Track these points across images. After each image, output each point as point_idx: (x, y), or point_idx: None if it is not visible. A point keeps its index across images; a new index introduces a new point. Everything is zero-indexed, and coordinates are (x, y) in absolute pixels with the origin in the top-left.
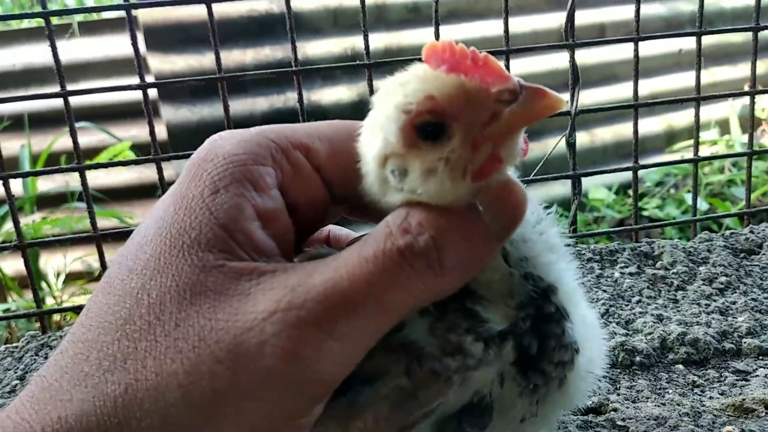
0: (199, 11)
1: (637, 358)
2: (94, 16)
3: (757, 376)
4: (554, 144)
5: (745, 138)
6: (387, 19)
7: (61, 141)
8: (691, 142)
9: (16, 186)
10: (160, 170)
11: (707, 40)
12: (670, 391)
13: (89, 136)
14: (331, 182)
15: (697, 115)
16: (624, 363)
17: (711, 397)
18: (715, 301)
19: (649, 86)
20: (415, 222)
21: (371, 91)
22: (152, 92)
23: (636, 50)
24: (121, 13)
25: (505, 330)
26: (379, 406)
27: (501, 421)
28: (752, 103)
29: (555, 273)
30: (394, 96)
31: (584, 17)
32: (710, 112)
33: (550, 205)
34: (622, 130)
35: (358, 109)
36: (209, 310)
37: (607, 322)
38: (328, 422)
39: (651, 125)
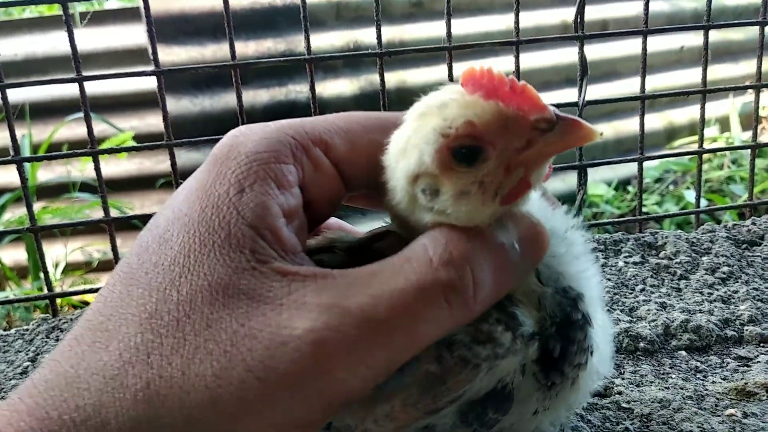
0: (201, 3)
1: (641, 344)
2: (96, 6)
3: (758, 362)
4: None
5: (745, 135)
6: (390, 13)
7: (62, 131)
8: (691, 138)
9: (16, 176)
10: (172, 155)
11: (709, 37)
12: (674, 375)
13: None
14: (350, 177)
15: (702, 108)
16: (628, 349)
17: (714, 382)
18: (717, 290)
19: (650, 82)
20: (458, 254)
21: (382, 81)
22: (153, 83)
23: (644, 44)
24: (124, 4)
25: (533, 332)
26: (408, 391)
27: (517, 410)
28: (757, 96)
29: (583, 281)
30: (431, 118)
31: (587, 13)
32: (711, 109)
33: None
34: (622, 126)
35: (359, 103)
36: (243, 315)
37: (611, 309)
38: (351, 404)
39: (651, 122)
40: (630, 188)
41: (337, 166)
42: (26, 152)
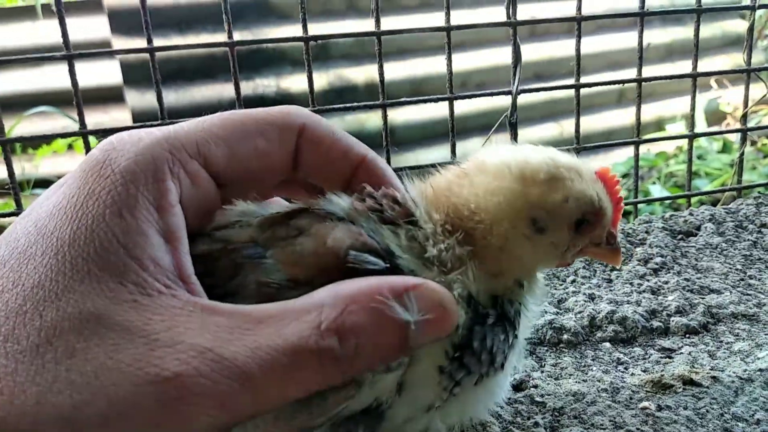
0: None
1: (565, 336)
2: None
3: (681, 353)
4: (497, 123)
5: (711, 130)
6: (358, 8)
7: (22, 126)
8: (659, 134)
9: None
10: None
11: (674, 35)
12: (594, 368)
13: (52, 122)
14: (230, 186)
15: (693, 92)
16: (551, 341)
17: (633, 374)
18: (648, 281)
19: (617, 79)
20: (350, 325)
21: (380, 63)
22: (117, 77)
23: (641, 29)
24: None
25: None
26: (284, 407)
27: (409, 403)
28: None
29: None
30: (577, 177)
31: (557, 10)
32: (677, 105)
33: None
34: (590, 123)
35: (328, 98)
36: (113, 348)
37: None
38: None
39: (620, 118)
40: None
41: (216, 177)
42: None
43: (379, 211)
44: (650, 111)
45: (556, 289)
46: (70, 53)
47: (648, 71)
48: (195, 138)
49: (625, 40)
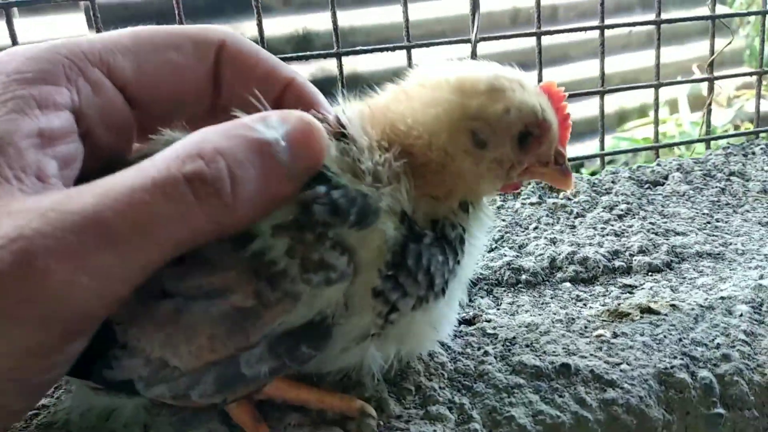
0: None
1: (523, 277)
2: None
3: (642, 289)
4: None
5: (694, 117)
6: None
7: None
8: (643, 120)
9: None
10: None
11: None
12: (552, 305)
13: None
14: (140, 102)
15: (658, 44)
16: (509, 281)
17: (591, 308)
18: (612, 225)
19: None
20: (210, 147)
21: (333, 10)
22: None
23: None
24: None
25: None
26: (216, 326)
27: (341, 334)
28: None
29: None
30: (515, 88)
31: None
32: (660, 91)
33: None
34: (575, 111)
35: None
36: None
37: (499, 246)
38: (149, 337)
39: (606, 105)
40: (583, 170)
41: (123, 90)
42: None
43: None
44: (634, 98)
45: (517, 235)
46: None
47: (630, 58)
48: (99, 47)
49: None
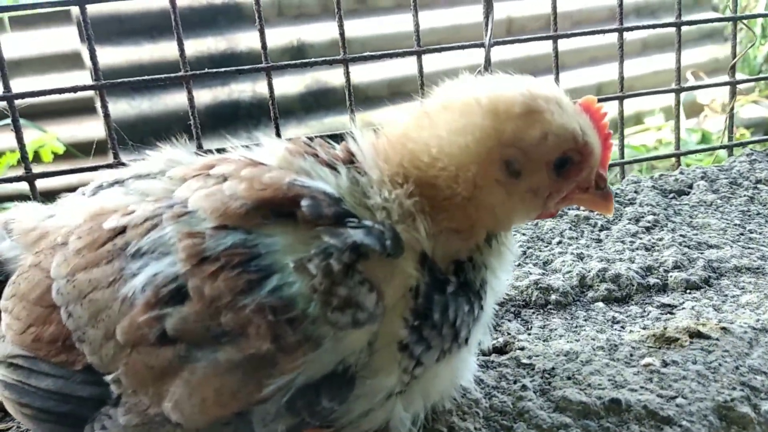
0: (135, 3)
1: (553, 297)
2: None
3: (683, 308)
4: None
5: (690, 123)
6: (333, 10)
7: None
8: (637, 128)
9: None
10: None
11: (650, 30)
12: (587, 328)
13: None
14: None
15: (678, 47)
16: (538, 302)
17: (631, 331)
18: (640, 238)
19: (596, 75)
20: None
21: (339, 17)
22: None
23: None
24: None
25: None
26: (225, 375)
27: (367, 394)
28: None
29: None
30: (555, 109)
31: (533, 8)
32: (655, 100)
33: None
34: None
35: (306, 101)
36: None
37: (523, 263)
38: (146, 390)
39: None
40: None
41: None
42: None
43: (314, 155)
44: (629, 106)
45: (540, 250)
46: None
47: (624, 66)
48: None
49: (600, 36)
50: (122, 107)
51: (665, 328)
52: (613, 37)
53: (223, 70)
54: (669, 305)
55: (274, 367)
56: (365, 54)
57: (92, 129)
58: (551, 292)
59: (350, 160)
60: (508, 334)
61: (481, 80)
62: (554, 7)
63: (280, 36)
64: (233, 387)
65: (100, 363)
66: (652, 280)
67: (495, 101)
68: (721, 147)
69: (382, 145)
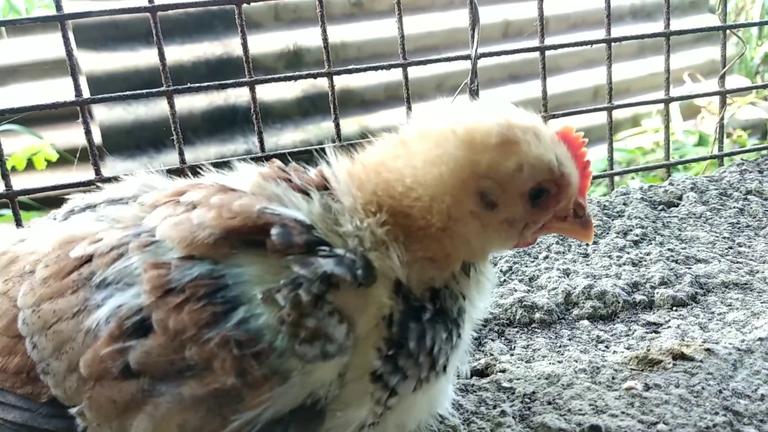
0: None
1: (537, 315)
2: (25, 14)
3: (669, 327)
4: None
5: (687, 125)
6: (330, 14)
7: None
8: (635, 130)
9: None
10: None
11: (645, 31)
12: (571, 348)
13: (18, 139)
14: None
15: (667, 57)
16: (522, 321)
17: (615, 352)
18: (627, 253)
19: (592, 77)
20: None
21: (323, 26)
22: (84, 94)
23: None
24: (51, 13)
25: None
26: (188, 411)
27: (336, 427)
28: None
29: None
30: (531, 139)
31: (529, 11)
32: (651, 98)
33: None
34: (572, 121)
35: (302, 106)
36: None
37: (508, 279)
38: (109, 425)
39: (595, 116)
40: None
41: None
42: None
43: (287, 180)
44: (626, 108)
45: (527, 266)
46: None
47: (620, 68)
48: None
49: (595, 37)
50: (119, 113)
51: (648, 350)
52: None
53: (205, 84)
54: (654, 323)
55: (239, 403)
56: (350, 67)
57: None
58: (536, 310)
59: (324, 186)
60: (491, 354)
61: (459, 108)
62: (541, 18)
63: (276, 41)
64: (197, 423)
65: (65, 396)
66: (638, 297)
67: (471, 131)
68: (711, 157)
69: (357, 171)
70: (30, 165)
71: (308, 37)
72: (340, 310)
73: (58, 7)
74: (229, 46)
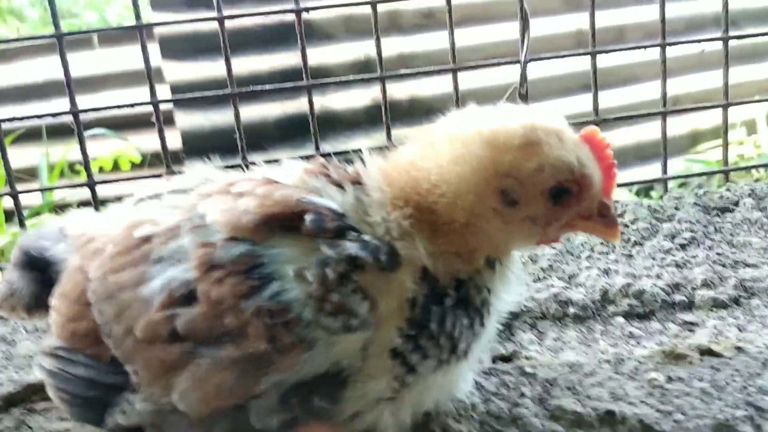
0: (214, 22)
1: (571, 310)
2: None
3: (705, 327)
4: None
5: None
6: (400, 25)
7: (76, 148)
8: (717, 142)
9: (35, 196)
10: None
11: (730, 42)
12: (602, 342)
13: (106, 143)
14: None
15: (726, 61)
16: (556, 315)
17: (644, 347)
18: (673, 255)
19: (672, 87)
20: None
21: (377, 36)
22: (167, 104)
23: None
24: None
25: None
26: (225, 373)
27: (356, 397)
28: None
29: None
30: (551, 140)
31: (604, 19)
32: (736, 112)
33: None
34: (642, 132)
35: (372, 114)
36: None
37: (547, 276)
38: (158, 381)
39: (675, 127)
40: (653, 194)
41: None
42: (44, 171)
43: (326, 175)
44: (708, 119)
45: (567, 264)
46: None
47: (703, 78)
48: None
49: (677, 47)
50: (198, 119)
51: (675, 345)
52: (688, 48)
53: (267, 87)
54: (691, 323)
55: (270, 366)
56: (401, 72)
57: (171, 139)
58: (570, 305)
59: (358, 181)
60: (520, 344)
61: (488, 112)
62: (592, 24)
63: (348, 51)
64: (233, 382)
65: (122, 355)
66: (677, 297)
67: (496, 133)
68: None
69: (388, 169)
70: (116, 167)
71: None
72: (364, 289)
73: (137, 17)
74: (297, 56)
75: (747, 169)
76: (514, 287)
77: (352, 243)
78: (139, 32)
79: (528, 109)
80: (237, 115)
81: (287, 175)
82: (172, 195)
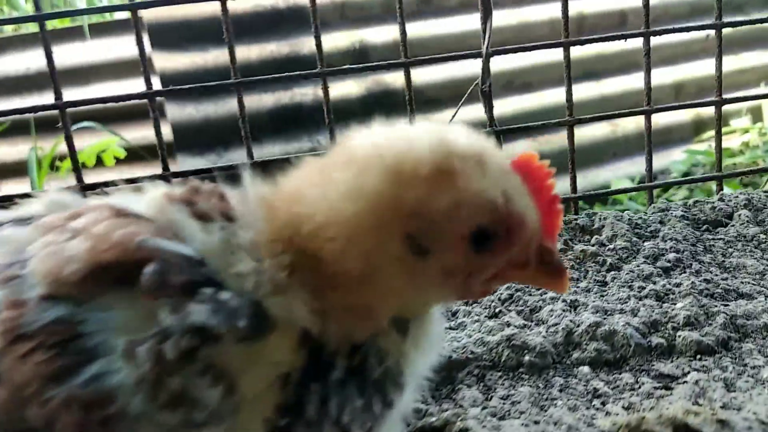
0: (202, 8)
1: (527, 358)
2: (107, 16)
3: (685, 382)
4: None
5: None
6: (394, 10)
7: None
8: (723, 129)
9: (25, 187)
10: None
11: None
12: (559, 402)
13: (95, 136)
14: None
15: (719, 52)
16: (508, 364)
17: (608, 413)
18: (653, 283)
19: (676, 73)
20: None
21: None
22: (157, 89)
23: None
24: (129, 14)
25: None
26: None
27: None
28: None
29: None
30: (470, 171)
31: (605, 4)
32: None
33: None
34: (642, 120)
35: (367, 103)
36: None
37: (504, 311)
38: None
39: (677, 115)
40: (657, 181)
41: None
42: (33, 165)
43: (191, 203)
44: (711, 107)
45: (529, 295)
46: None
47: (706, 64)
48: None
49: (680, 33)
50: (189, 112)
51: (642, 419)
52: (691, 34)
53: (273, 76)
54: (669, 376)
55: None
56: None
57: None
58: (526, 351)
59: (227, 213)
60: (459, 405)
61: (396, 130)
62: (565, 13)
63: (341, 38)
64: None
65: None
66: (655, 340)
67: (401, 159)
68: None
69: (273, 200)
70: (99, 161)
71: (374, 34)
72: (217, 368)
73: None
74: (295, 45)
75: (738, 175)
76: (434, 349)
77: (199, 306)
78: (133, 15)
79: (447, 126)
80: (241, 106)
81: (147, 203)
82: (13, 227)
